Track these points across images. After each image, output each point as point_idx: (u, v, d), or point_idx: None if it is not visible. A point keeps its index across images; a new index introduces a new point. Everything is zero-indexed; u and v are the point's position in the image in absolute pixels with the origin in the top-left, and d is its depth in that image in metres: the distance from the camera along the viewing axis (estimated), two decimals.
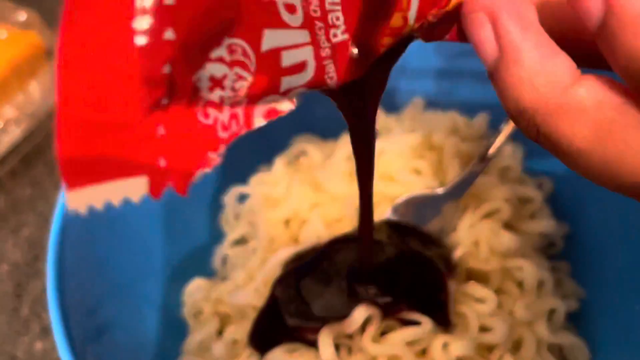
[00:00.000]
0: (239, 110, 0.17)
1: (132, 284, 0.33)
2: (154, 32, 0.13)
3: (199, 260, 0.36)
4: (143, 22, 0.13)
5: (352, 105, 0.21)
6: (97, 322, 0.30)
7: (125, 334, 0.32)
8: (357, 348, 0.29)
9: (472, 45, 0.18)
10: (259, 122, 0.17)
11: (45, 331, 0.39)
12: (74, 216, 0.28)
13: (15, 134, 0.46)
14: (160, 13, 0.13)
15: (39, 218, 0.44)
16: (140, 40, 0.13)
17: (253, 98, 0.17)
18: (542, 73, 0.16)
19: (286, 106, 0.17)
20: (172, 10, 0.13)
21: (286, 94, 0.17)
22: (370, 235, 0.28)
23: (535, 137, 0.17)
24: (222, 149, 0.16)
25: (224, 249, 0.37)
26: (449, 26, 0.18)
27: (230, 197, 0.37)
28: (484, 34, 0.17)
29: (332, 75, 0.18)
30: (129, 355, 0.31)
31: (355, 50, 0.18)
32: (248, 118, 0.17)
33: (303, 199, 0.35)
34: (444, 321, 0.30)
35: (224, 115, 0.16)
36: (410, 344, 0.29)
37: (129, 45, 0.13)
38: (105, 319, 0.31)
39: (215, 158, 0.16)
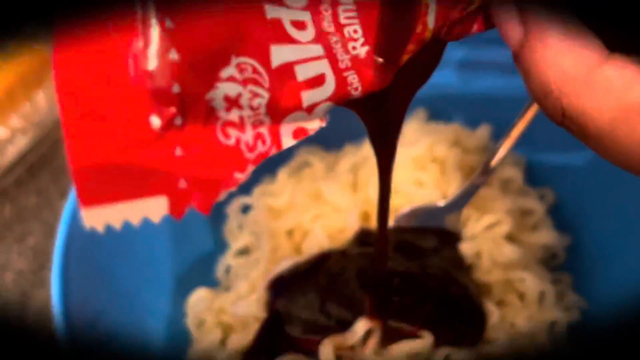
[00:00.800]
0: (264, 130, 0.17)
1: (136, 294, 0.33)
2: (159, 54, 0.13)
3: (202, 270, 0.37)
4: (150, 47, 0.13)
5: (378, 117, 0.21)
6: (100, 332, 0.30)
7: (129, 344, 0.32)
8: None
9: (498, 29, 0.18)
10: (288, 142, 0.17)
11: None
12: (79, 226, 0.29)
13: (21, 143, 0.46)
14: (162, 36, 0.13)
15: (45, 227, 0.44)
16: (151, 64, 0.13)
17: (276, 116, 0.17)
18: (568, 52, 0.16)
19: (315, 124, 0.18)
20: (173, 33, 0.14)
21: (311, 111, 0.18)
22: (386, 242, 0.28)
23: (560, 120, 0.17)
24: (250, 169, 0.16)
25: (228, 259, 0.37)
26: (470, 24, 0.18)
27: (233, 208, 0.38)
28: (510, 16, 0.17)
29: (356, 85, 0.18)
30: None
31: (380, 59, 0.18)
32: (275, 138, 0.17)
33: (306, 210, 0.35)
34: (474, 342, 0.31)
35: (247, 136, 0.16)
36: (411, 356, 0.29)
37: (138, 68, 0.13)
38: (109, 329, 0.31)
39: (242, 178, 0.16)
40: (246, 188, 0.38)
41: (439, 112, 0.39)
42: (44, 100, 0.48)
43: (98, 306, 0.31)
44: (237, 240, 0.37)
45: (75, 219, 0.30)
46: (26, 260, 0.43)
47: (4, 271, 0.42)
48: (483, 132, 0.37)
